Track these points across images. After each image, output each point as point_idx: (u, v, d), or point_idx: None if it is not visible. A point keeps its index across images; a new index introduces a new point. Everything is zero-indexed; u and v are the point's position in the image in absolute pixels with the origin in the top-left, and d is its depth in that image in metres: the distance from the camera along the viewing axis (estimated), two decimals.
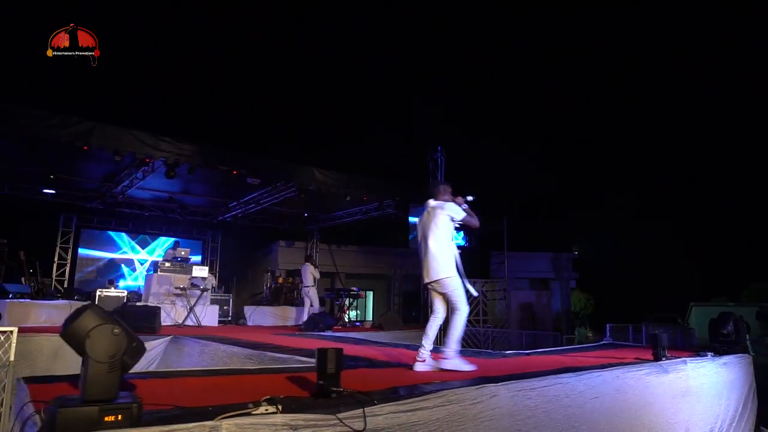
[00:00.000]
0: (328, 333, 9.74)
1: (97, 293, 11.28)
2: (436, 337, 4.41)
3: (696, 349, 6.73)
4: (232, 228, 15.94)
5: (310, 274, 12.07)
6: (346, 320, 14.49)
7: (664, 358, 4.87)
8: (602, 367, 4.19)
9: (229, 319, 13.40)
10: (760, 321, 20.79)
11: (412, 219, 18.53)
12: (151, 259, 16.15)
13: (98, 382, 2.03)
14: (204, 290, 11.37)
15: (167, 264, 11.96)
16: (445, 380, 3.46)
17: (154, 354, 7.86)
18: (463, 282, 4.28)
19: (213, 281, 12.79)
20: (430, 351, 4.28)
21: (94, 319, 2.10)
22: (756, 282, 26.54)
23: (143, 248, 16.47)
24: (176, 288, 11.28)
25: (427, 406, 2.85)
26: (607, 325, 8.68)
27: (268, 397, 2.53)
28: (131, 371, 2.37)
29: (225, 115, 21.15)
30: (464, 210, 4.49)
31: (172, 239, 16.68)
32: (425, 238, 4.35)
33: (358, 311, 19.86)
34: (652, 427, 4.23)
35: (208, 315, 11.72)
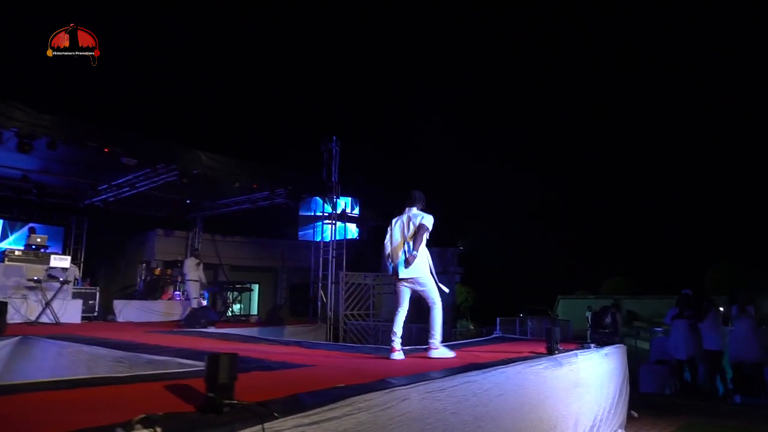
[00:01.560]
0: (212, 330, 9.02)
1: None
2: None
3: (572, 340, 7.11)
4: (102, 214, 14.29)
5: (189, 266, 11.39)
6: (230, 314, 13.67)
7: (557, 352, 4.98)
8: (505, 363, 4.14)
9: (95, 314, 12.00)
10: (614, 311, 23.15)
11: (304, 211, 18.04)
12: None
13: None
14: (64, 283, 10.02)
15: (17, 252, 10.41)
16: (349, 384, 3.14)
17: None
18: (435, 281, 4.93)
19: (76, 272, 11.35)
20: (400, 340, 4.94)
21: None
22: (612, 277, 29.55)
23: None
24: (29, 280, 9.81)
25: (335, 416, 2.52)
26: (497, 318, 8.95)
27: (143, 415, 2.04)
28: None
29: (107, 93, 19.07)
30: None
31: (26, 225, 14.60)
32: (406, 241, 4.87)
33: (242, 305, 18.95)
34: (549, 420, 4.27)
35: (69, 311, 10.39)
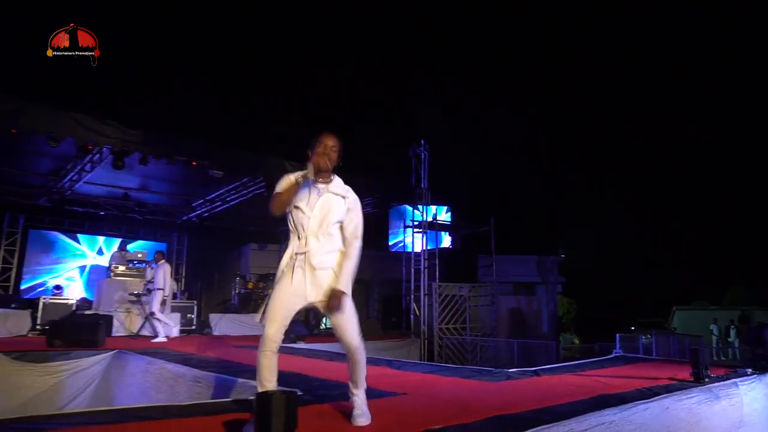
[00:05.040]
0: (300, 345, 8.68)
1: (41, 301, 10.11)
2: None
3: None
4: (199, 229, 14.73)
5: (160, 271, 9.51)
6: (323, 328, 13.43)
7: (707, 379, 3.96)
8: (645, 395, 3.24)
9: (194, 328, 12.23)
10: (743, 324, 20.46)
11: (394, 220, 17.60)
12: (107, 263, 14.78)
13: None
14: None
15: (121, 268, 10.80)
16: (449, 423, 2.45)
17: (94, 372, 6.74)
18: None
19: (174, 287, 11.61)
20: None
21: None
22: (736, 286, 26.32)
23: (98, 250, 15.06)
24: (130, 294, 10.12)
25: None
26: (617, 334, 7.85)
27: None
28: None
29: (194, 104, 19.86)
30: None
31: (141, 242, 15.36)
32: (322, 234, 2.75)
33: None
34: None
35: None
